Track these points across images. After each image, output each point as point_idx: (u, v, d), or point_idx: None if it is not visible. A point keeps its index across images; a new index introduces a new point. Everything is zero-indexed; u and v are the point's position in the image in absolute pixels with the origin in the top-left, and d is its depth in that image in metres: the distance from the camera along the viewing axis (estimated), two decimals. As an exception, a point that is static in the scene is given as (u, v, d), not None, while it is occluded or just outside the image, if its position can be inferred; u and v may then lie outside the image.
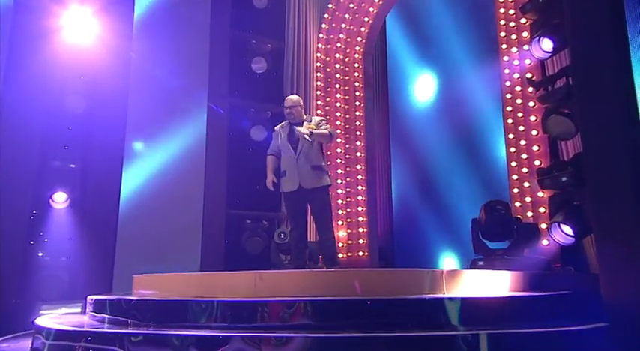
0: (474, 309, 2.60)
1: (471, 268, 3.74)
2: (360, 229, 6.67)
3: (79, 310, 4.38)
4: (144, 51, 5.50)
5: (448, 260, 6.81)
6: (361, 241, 6.64)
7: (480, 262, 3.60)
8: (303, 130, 3.88)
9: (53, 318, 3.27)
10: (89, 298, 3.24)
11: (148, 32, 5.61)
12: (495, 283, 3.02)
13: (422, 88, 7.77)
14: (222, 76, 6.02)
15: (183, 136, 5.45)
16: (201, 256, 5.34)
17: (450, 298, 2.58)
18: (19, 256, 4.45)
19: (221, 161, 5.75)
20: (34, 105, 4.74)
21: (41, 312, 4.27)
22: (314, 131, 3.91)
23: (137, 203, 5.16)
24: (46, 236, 4.65)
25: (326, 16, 7.10)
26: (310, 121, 4.08)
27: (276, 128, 4.23)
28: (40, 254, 4.66)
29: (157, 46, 5.60)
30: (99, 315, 2.98)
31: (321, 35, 7.14)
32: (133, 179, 5.19)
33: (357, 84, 7.17)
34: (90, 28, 5.16)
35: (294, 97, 4.24)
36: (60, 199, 4.73)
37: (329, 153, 6.95)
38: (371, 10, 7.05)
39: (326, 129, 4.05)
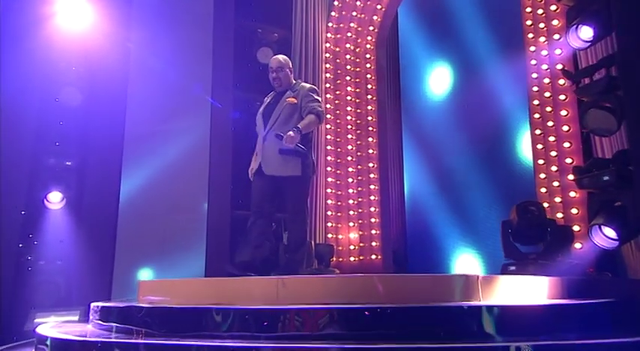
0: (516, 318, 2.55)
1: (501, 273, 3.70)
2: (373, 231, 6.62)
3: (76, 318, 4.32)
4: (142, 41, 5.43)
5: (465, 264, 6.76)
6: (374, 243, 6.59)
7: (512, 267, 3.56)
8: (290, 133, 3.37)
9: (54, 327, 3.21)
10: (93, 305, 3.18)
11: (147, 21, 5.53)
12: (533, 290, 2.98)
13: (437, 80, 7.71)
14: (226, 67, 5.97)
15: (186, 132, 5.37)
16: (206, 259, 5.29)
17: (490, 306, 2.53)
18: (11, 261, 4.38)
19: (225, 158, 5.69)
20: (26, 98, 4.67)
21: (36, 321, 4.21)
22: (301, 128, 3.40)
23: (137, 203, 5.09)
24: (40, 239, 4.58)
25: (335, 3, 7.05)
26: (295, 91, 3.57)
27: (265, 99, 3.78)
28: (29, 258, 4.59)
29: (157, 36, 5.52)
30: (106, 324, 2.92)
31: (330, 24, 7.08)
32: (133, 177, 5.12)
33: (368, 76, 7.12)
34: (85, 16, 5.10)
35: (281, 57, 3.68)
36: (55, 199, 4.66)
37: (339, 150, 6.93)
38: (384, -4, 6.99)
39: (312, 108, 3.48)
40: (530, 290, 2.96)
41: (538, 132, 4.92)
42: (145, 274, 5.03)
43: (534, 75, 5.00)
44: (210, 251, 5.33)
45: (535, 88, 4.98)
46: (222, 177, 5.60)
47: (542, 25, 4.86)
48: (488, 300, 2.74)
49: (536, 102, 4.98)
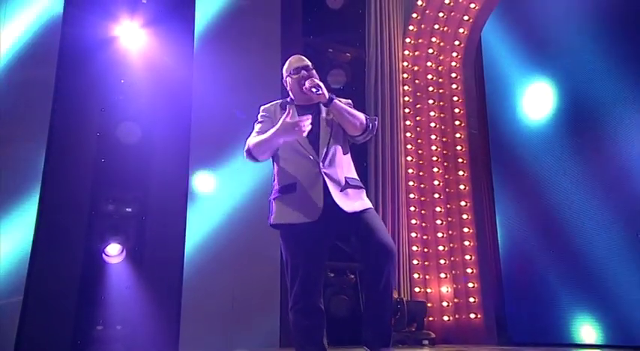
0: None
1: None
2: (470, 285, 6.33)
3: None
4: (206, 66, 5.47)
5: (587, 329, 6.30)
6: (471, 299, 6.29)
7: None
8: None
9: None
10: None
11: (210, 44, 5.60)
12: None
13: (534, 103, 7.46)
14: (295, 93, 5.97)
15: (255, 169, 5.29)
16: (281, 321, 5.13)
17: None
18: (68, 325, 4.33)
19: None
20: (83, 135, 4.74)
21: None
22: (338, 100, 2.83)
23: (203, 255, 5.01)
24: (97, 299, 4.52)
25: (414, 15, 7.02)
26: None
27: (265, 109, 2.98)
28: (86, 322, 4.53)
29: (221, 58, 5.58)
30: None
31: (408, 40, 7.04)
32: (198, 223, 5.07)
33: (455, 99, 6.99)
34: (145, 43, 5.24)
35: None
36: (113, 252, 4.64)
37: (423, 186, 6.75)
38: (472, 6, 6.91)
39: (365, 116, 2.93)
40: None
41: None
42: (214, 340, 4.89)
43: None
44: (285, 311, 5.17)
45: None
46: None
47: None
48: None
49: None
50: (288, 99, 3.00)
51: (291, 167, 2.79)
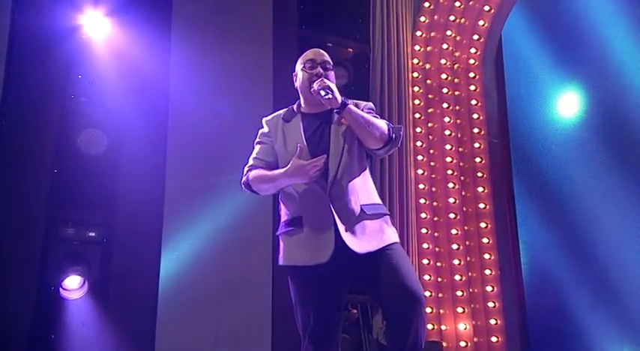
0: None
1: None
2: (492, 321, 6.24)
3: None
4: (184, 66, 5.42)
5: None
6: (494, 338, 6.20)
7: None
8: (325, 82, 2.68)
9: None
10: None
11: (189, 39, 5.55)
12: None
13: (563, 106, 7.49)
14: (289, 93, 5.90)
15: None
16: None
17: None
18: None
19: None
20: (38, 145, 4.65)
21: None
22: (354, 105, 2.73)
23: (180, 286, 4.93)
24: (52, 343, 4.40)
25: (426, 5, 6.97)
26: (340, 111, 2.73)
27: (267, 122, 2.92)
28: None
29: (202, 56, 5.49)
30: None
31: (418, 33, 6.99)
32: (175, 250, 4.99)
33: (473, 102, 6.93)
34: (114, 39, 5.17)
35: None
36: (73, 285, 4.57)
37: (436, 204, 6.67)
38: (493, -6, 6.89)
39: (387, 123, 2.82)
40: None
41: None
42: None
43: None
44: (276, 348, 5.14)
45: None
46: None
47: None
48: None
49: None
50: (295, 106, 2.93)
51: (296, 196, 2.70)
